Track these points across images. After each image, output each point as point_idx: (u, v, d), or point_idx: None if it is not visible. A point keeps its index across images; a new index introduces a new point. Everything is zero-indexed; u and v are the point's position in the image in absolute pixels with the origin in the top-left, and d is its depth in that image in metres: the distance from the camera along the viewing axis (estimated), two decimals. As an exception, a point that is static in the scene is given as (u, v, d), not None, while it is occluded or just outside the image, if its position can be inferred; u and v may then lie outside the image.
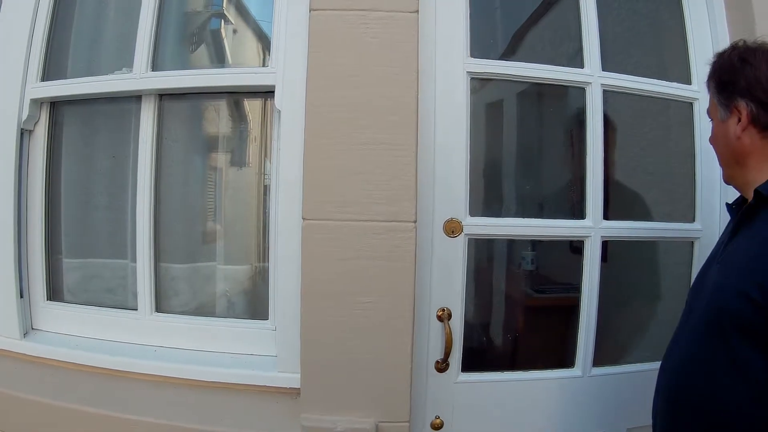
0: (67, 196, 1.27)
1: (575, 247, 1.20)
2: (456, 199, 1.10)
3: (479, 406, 1.14)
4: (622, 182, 1.27)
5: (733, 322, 0.69)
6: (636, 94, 1.23)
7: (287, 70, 1.08)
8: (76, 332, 1.21)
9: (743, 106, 0.76)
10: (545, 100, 1.28)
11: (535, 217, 1.19)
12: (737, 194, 1.25)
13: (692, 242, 1.24)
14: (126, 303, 1.22)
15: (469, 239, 1.12)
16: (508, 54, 1.31)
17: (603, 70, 1.19)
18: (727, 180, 0.86)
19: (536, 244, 1.24)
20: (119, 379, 1.13)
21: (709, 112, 0.87)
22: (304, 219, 1.01)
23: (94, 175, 1.27)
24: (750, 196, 0.77)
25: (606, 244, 1.22)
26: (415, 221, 1.01)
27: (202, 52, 1.33)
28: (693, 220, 1.24)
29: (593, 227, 1.16)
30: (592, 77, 1.17)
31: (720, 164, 0.86)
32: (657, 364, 1.19)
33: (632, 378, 1.19)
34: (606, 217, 1.20)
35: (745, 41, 0.80)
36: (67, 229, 1.27)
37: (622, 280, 1.32)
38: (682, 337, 0.81)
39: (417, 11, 1.03)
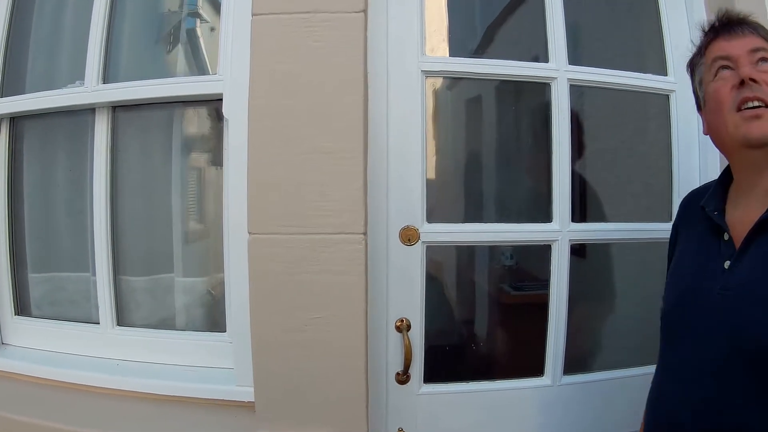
0: (30, 210, 1.28)
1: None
2: (412, 206, 1.06)
3: (443, 418, 1.10)
4: (594, 182, 1.21)
5: None
6: (607, 88, 1.17)
7: (234, 78, 1.05)
8: (44, 347, 1.22)
9: None
10: (511, 98, 1.22)
11: (499, 222, 1.14)
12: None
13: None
14: (90, 317, 1.22)
15: (428, 246, 1.08)
16: (475, 51, 1.25)
17: (571, 64, 1.13)
18: None
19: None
20: (83, 393, 1.13)
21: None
22: (250, 233, 0.98)
23: (55, 188, 1.27)
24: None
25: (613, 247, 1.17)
26: (364, 233, 0.97)
27: (164, 59, 1.31)
28: (669, 219, 1.17)
29: (560, 231, 1.10)
30: (558, 72, 1.11)
31: None
32: (633, 371, 1.17)
33: (606, 386, 1.15)
34: (583, 218, 1.15)
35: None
36: (31, 243, 1.28)
37: (600, 278, 1.27)
38: (691, 374, 0.71)
39: (364, 11, 0.98)
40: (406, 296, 1.07)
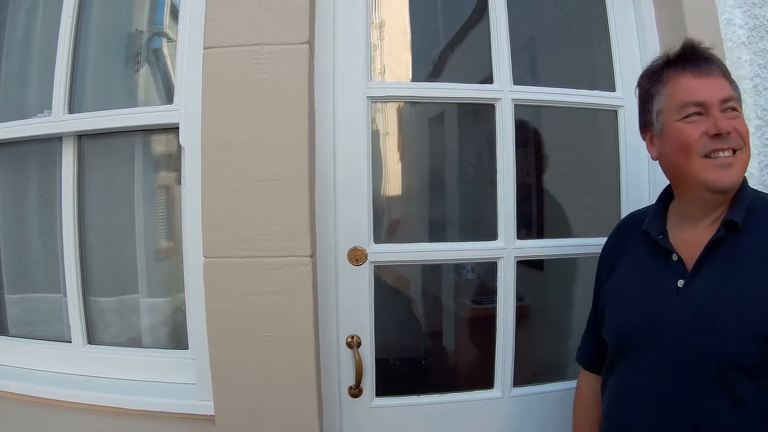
0: (4, 233, 1.34)
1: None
2: (359, 227, 1.10)
3: (397, 430, 1.14)
4: (545, 198, 1.24)
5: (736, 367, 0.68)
6: (553, 107, 1.20)
7: (189, 108, 1.09)
8: (17, 364, 1.27)
9: None
10: (459, 120, 1.26)
11: (445, 241, 1.18)
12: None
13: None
14: (63, 336, 1.28)
15: (375, 266, 1.12)
16: (429, 75, 1.29)
17: (524, 84, 1.16)
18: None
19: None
20: (53, 407, 1.18)
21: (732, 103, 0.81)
22: (204, 257, 1.03)
23: (27, 213, 1.33)
24: None
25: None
26: (311, 255, 1.01)
27: (131, 83, 1.35)
28: (617, 233, 1.19)
29: (506, 248, 1.13)
30: (502, 92, 1.14)
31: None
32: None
33: (558, 397, 1.18)
34: (540, 234, 1.17)
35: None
36: (6, 265, 1.34)
37: (555, 290, 1.30)
38: (655, 391, 0.75)
39: (308, 42, 1.02)
40: (356, 313, 1.11)
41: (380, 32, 1.17)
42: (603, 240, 1.18)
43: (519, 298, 1.15)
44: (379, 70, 1.16)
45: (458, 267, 1.23)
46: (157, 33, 1.27)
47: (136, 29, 1.27)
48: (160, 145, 1.23)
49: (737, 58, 1.13)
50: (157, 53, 1.27)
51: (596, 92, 1.21)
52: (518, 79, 1.15)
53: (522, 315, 1.17)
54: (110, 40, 1.29)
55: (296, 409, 1.05)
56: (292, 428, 1.06)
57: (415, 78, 1.28)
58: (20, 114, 1.30)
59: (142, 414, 1.14)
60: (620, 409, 0.81)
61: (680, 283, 0.76)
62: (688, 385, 0.72)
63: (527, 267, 1.19)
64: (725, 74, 0.79)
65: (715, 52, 0.82)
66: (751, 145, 0.80)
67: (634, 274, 0.85)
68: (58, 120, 1.20)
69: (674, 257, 0.78)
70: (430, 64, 1.29)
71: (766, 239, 0.73)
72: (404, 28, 1.24)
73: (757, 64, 1.13)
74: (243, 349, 1.04)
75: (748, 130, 0.77)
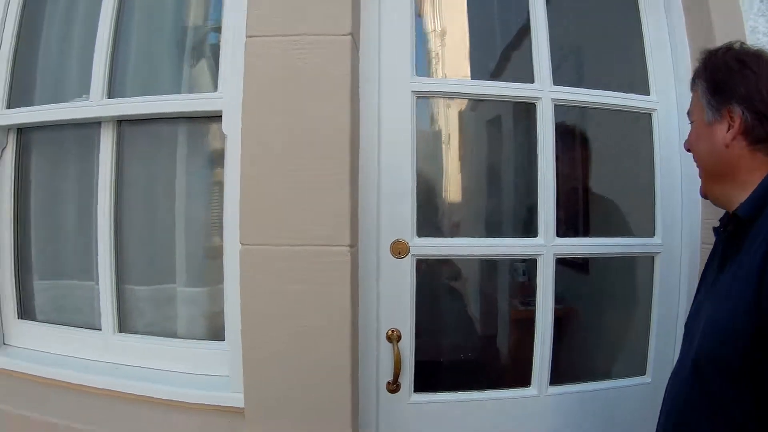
0: (36, 219, 1.32)
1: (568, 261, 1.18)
2: (402, 221, 1.10)
3: (434, 427, 1.13)
4: (580, 198, 1.25)
5: (718, 366, 0.67)
6: (591, 108, 1.22)
7: (232, 96, 1.09)
8: (45, 349, 1.26)
9: (738, 113, 0.70)
10: (501, 119, 1.27)
11: (487, 237, 1.18)
12: (698, 213, 1.20)
13: (653, 257, 1.21)
14: (94, 323, 1.26)
15: (417, 260, 1.12)
16: (473, 73, 1.30)
17: (555, 84, 1.17)
18: (705, 193, 0.80)
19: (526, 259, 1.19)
20: (79, 393, 1.16)
21: (690, 113, 0.81)
22: (241, 244, 1.02)
23: (61, 198, 1.31)
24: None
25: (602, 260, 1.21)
26: (350, 245, 1.01)
27: (183, 74, 1.30)
28: (653, 234, 1.21)
29: (545, 245, 1.14)
30: (542, 92, 1.16)
31: (700, 174, 0.80)
32: (617, 383, 1.20)
33: (592, 397, 1.18)
34: (577, 233, 1.17)
35: (742, 43, 0.76)
36: (37, 251, 1.32)
37: (604, 293, 1.30)
38: (674, 378, 0.77)
39: (350, 34, 1.02)
40: (397, 307, 1.11)
41: (441, 39, 1.18)
42: (640, 240, 1.21)
43: (559, 298, 1.15)
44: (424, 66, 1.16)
45: (510, 268, 1.23)
46: (204, 21, 1.27)
47: (184, 17, 1.26)
48: (203, 133, 1.22)
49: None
50: (204, 41, 1.26)
51: (632, 95, 1.23)
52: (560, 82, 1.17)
53: (562, 315, 1.16)
54: (154, 28, 1.28)
55: (329, 404, 1.03)
56: (325, 422, 1.04)
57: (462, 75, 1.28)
58: (57, 99, 1.28)
59: (171, 404, 1.12)
60: None
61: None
62: (686, 378, 0.73)
63: (567, 267, 1.19)
64: (702, 81, 0.77)
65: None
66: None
67: (707, 268, 0.84)
68: (96, 104, 1.20)
69: None
70: (485, 66, 1.30)
71: (750, 248, 0.66)
72: (462, 33, 1.26)
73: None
74: (276, 338, 1.02)
75: (694, 138, 0.79)
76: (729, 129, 0.71)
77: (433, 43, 1.20)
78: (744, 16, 1.18)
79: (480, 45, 1.27)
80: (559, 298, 1.15)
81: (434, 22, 1.21)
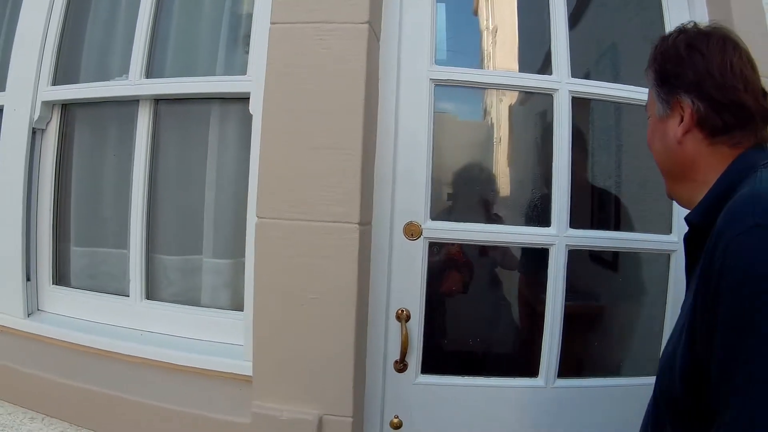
0: (75, 189, 1.41)
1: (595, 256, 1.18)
2: (416, 203, 1.13)
3: (439, 408, 1.15)
4: (595, 190, 1.25)
5: (669, 406, 0.59)
6: (608, 101, 1.22)
7: (260, 78, 1.14)
8: (75, 314, 1.34)
9: (688, 103, 0.62)
10: (515, 108, 1.28)
11: (498, 223, 1.19)
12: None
13: (669, 255, 1.20)
14: (124, 290, 1.33)
15: (430, 242, 1.14)
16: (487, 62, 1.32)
17: (573, 77, 1.18)
18: (670, 194, 0.71)
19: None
20: (105, 358, 1.23)
21: (647, 107, 0.73)
22: (258, 217, 1.07)
23: (100, 171, 1.40)
24: None
25: (617, 255, 1.21)
26: (359, 223, 1.04)
27: (225, 57, 1.35)
28: (670, 231, 1.20)
29: (558, 235, 1.15)
30: (560, 84, 1.17)
31: (662, 174, 0.71)
32: (626, 380, 1.19)
33: (598, 393, 1.17)
34: (591, 226, 1.17)
35: (695, 24, 0.66)
36: (75, 219, 1.41)
37: (618, 290, 1.29)
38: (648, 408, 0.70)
39: (368, 22, 1.06)
40: (408, 287, 1.14)
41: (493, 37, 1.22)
42: (656, 236, 1.20)
43: (572, 292, 1.15)
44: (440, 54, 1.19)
45: (522, 256, 1.23)
46: (240, 8, 1.34)
47: (222, 3, 1.33)
48: (233, 113, 1.28)
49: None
50: (239, 27, 1.33)
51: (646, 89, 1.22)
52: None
53: (575, 310, 1.16)
54: (193, 12, 1.35)
55: (332, 378, 1.06)
56: (327, 397, 1.06)
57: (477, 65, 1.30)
58: (100, 78, 1.38)
59: (188, 370, 1.18)
60: None
61: None
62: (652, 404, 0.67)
63: (579, 262, 1.19)
64: (651, 72, 0.69)
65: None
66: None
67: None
68: (134, 83, 1.28)
69: None
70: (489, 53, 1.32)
71: (702, 263, 0.55)
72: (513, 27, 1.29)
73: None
74: (285, 309, 1.06)
75: (650, 135, 0.71)
76: (680, 123, 0.63)
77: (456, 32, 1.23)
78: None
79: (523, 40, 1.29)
80: (572, 292, 1.15)
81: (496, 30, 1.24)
